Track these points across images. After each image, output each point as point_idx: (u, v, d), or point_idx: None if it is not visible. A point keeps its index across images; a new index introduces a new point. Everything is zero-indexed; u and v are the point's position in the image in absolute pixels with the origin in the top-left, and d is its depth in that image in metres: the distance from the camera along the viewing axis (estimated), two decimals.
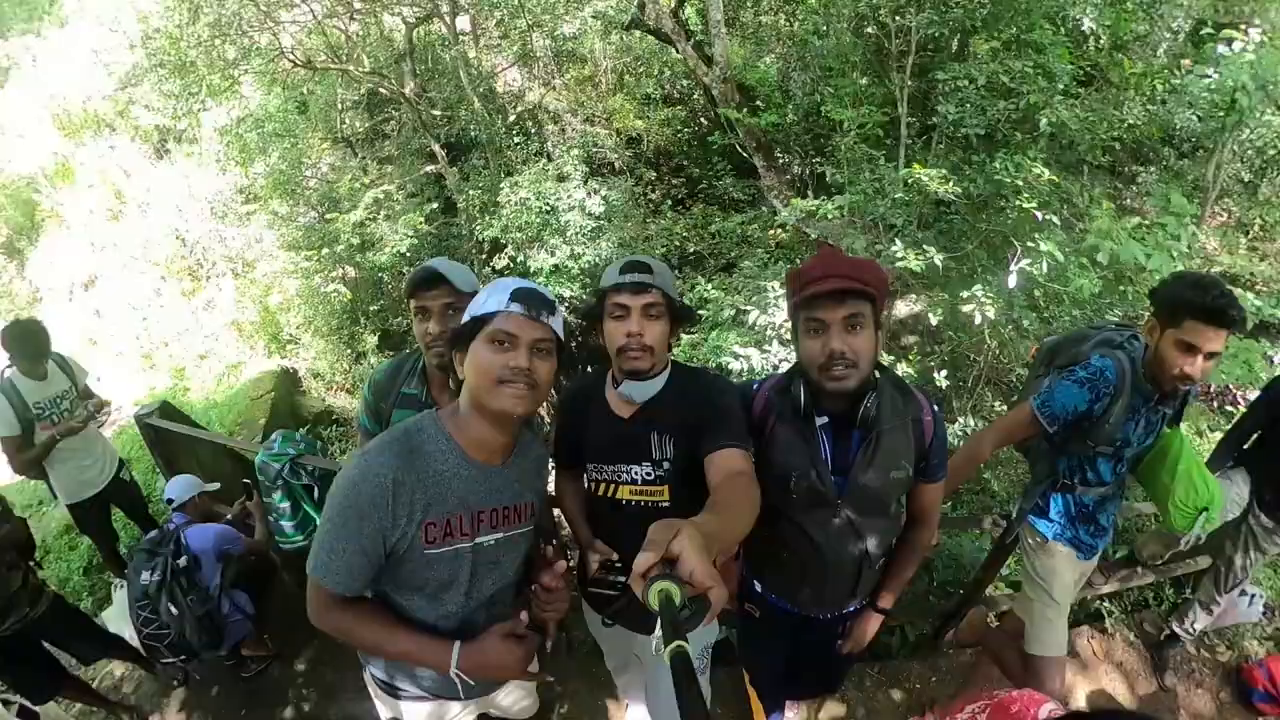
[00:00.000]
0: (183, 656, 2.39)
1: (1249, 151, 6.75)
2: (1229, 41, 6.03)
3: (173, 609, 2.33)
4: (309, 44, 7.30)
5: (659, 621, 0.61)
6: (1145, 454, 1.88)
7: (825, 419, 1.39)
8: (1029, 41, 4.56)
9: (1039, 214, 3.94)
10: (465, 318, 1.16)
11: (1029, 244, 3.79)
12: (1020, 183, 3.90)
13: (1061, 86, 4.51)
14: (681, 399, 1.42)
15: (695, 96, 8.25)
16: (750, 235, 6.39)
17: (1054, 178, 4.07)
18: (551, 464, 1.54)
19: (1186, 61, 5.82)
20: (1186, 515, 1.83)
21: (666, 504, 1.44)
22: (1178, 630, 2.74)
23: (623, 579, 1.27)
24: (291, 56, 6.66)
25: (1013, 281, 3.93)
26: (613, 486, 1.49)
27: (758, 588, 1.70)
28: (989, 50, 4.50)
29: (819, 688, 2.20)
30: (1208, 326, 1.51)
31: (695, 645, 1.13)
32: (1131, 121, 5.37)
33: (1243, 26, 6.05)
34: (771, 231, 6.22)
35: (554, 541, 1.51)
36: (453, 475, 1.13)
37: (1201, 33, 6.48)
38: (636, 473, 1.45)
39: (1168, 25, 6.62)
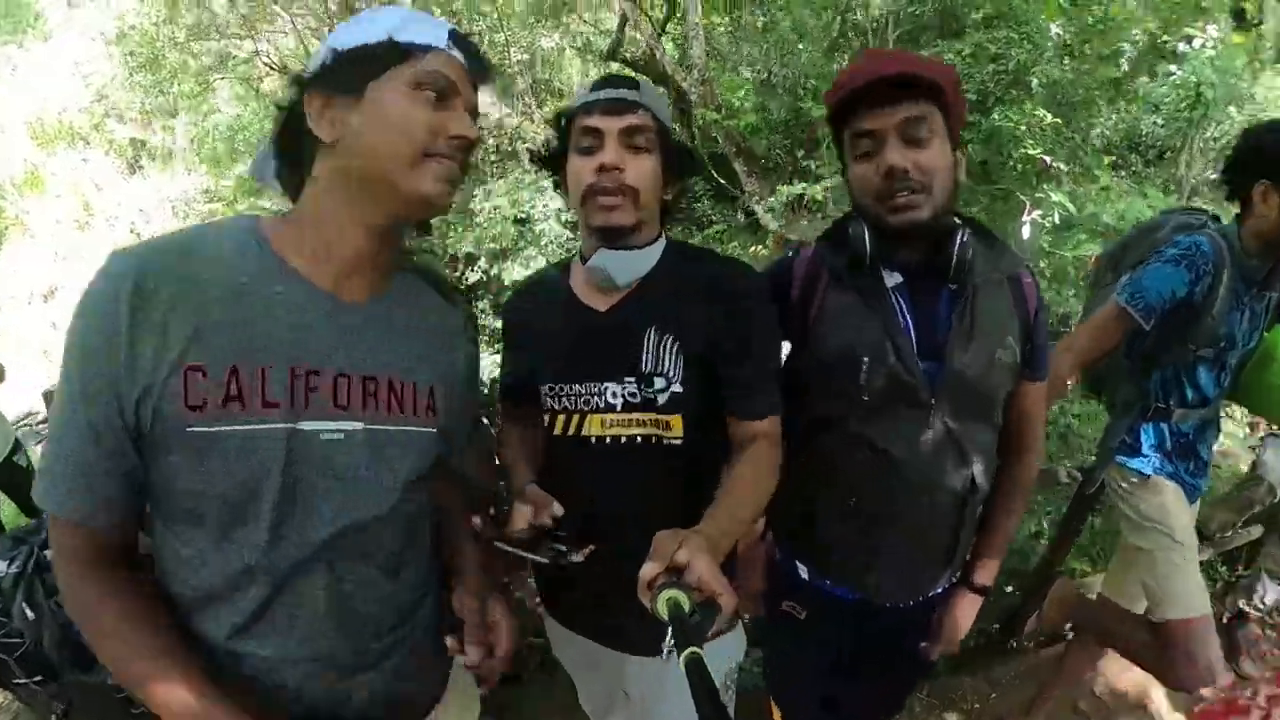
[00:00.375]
0: (39, 677, 1.89)
1: (1214, 151, 6.91)
2: (1189, 39, 6.27)
3: (28, 611, 1.89)
4: (287, 51, 7.38)
5: (669, 631, 0.61)
6: (1248, 359, 1.61)
7: (897, 277, 1.00)
8: (1010, 14, 4.68)
9: (1047, 159, 3.89)
10: (348, 42, 0.68)
11: (1038, 195, 3.71)
12: (1023, 129, 3.86)
13: (1051, 45, 4.59)
14: (689, 285, 0.97)
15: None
16: (729, 251, 6.36)
17: (1056, 120, 4.06)
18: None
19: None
20: None
21: (677, 441, 0.95)
22: (1245, 608, 2.51)
23: (562, 549, 0.85)
24: (268, 60, 6.68)
25: (1026, 233, 3.83)
26: (578, 419, 0.98)
27: (802, 573, 1.16)
28: (974, 20, 4.59)
29: (879, 712, 1.45)
30: None
31: (716, 666, 0.79)
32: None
33: (1201, 24, 6.31)
34: (753, 249, 6.18)
35: (491, 513, 1.02)
36: (261, 298, 0.65)
37: (1159, 42, 6.76)
38: (615, 393, 0.95)
39: (1128, 37, 6.87)
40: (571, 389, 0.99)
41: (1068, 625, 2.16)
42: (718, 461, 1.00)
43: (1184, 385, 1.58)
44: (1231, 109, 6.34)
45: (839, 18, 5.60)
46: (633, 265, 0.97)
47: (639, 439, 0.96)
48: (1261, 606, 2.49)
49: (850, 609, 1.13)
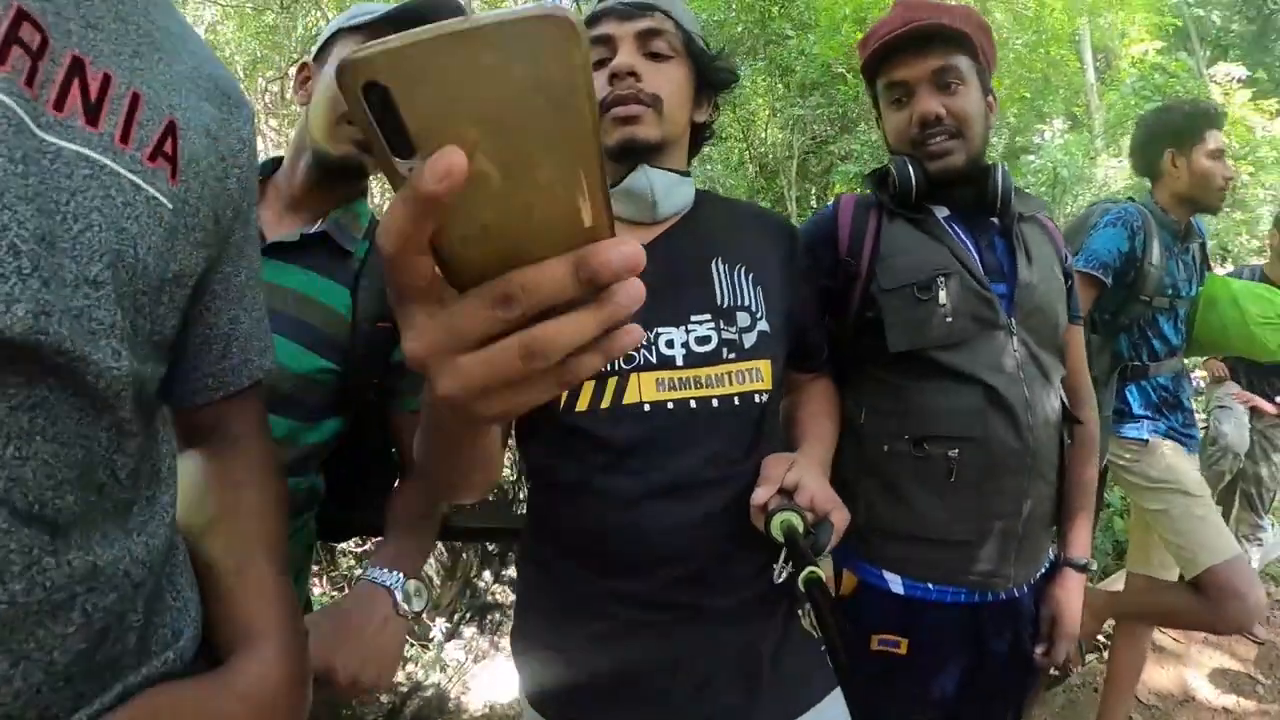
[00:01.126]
0: None
1: (1072, 218, 8.44)
2: (1041, 133, 7.91)
3: None
4: None
5: (785, 553, 0.61)
6: (1195, 308, 1.82)
7: (945, 211, 1.00)
8: None
9: None
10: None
11: None
12: None
13: None
14: (741, 222, 0.86)
15: None
16: None
17: None
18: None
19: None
20: (1274, 325, 1.72)
21: (766, 395, 0.76)
22: None
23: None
24: None
25: None
26: (615, 384, 0.73)
27: (895, 585, 0.95)
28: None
29: None
30: (1218, 129, 1.71)
31: None
32: None
33: (1049, 118, 8.01)
34: None
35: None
36: None
37: (1016, 139, 8.44)
38: (674, 341, 0.74)
39: (996, 132, 8.53)
40: None
41: (1102, 631, 2.12)
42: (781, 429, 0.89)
43: (1150, 339, 1.74)
44: (1079, 188, 7.87)
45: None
46: (677, 189, 0.80)
47: (716, 401, 0.73)
48: (1255, 566, 2.48)
49: (962, 618, 0.95)
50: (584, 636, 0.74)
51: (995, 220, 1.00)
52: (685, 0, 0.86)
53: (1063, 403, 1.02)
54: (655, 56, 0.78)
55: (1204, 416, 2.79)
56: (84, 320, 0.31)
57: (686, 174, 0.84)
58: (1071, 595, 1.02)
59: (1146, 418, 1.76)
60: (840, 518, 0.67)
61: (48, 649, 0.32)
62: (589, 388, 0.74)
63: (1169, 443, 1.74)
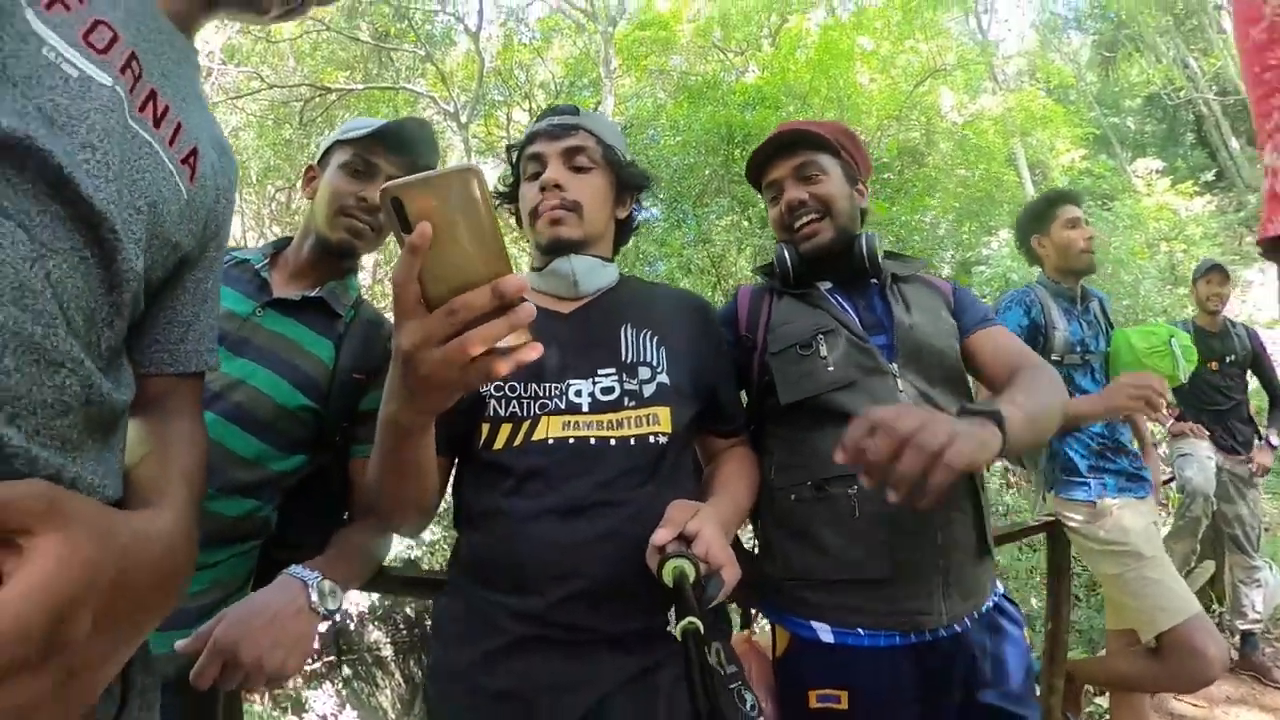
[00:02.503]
0: None
1: None
2: (989, 244, 8.49)
3: None
4: None
5: (675, 601, 0.61)
6: (1106, 361, 1.92)
7: (828, 284, 1.09)
8: None
9: None
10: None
11: None
12: None
13: None
14: (655, 300, 0.98)
15: None
16: None
17: None
18: None
19: None
20: (1161, 353, 1.76)
21: (664, 437, 0.84)
22: (1244, 626, 2.62)
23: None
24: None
25: None
26: (526, 426, 0.83)
27: (824, 635, 0.94)
28: None
29: None
30: (1071, 204, 2.02)
31: None
32: None
33: (995, 230, 8.61)
34: None
35: None
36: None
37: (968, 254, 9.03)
38: (581, 391, 0.84)
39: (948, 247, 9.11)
40: (523, 389, 0.84)
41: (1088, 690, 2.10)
42: (690, 477, 0.93)
43: (1072, 395, 1.78)
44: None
45: None
46: (596, 271, 0.94)
47: (614, 440, 0.82)
48: (1260, 614, 2.55)
49: (901, 664, 0.91)
50: (478, 654, 0.78)
51: (875, 283, 1.09)
52: (644, 134, 1.13)
53: None
54: (578, 169, 0.94)
55: (1169, 469, 2.85)
56: (130, 228, 0.47)
57: (609, 260, 1.00)
58: (959, 423, 0.74)
59: (1092, 476, 1.79)
60: (731, 574, 0.69)
61: None
62: (506, 430, 0.84)
63: (1117, 500, 1.76)
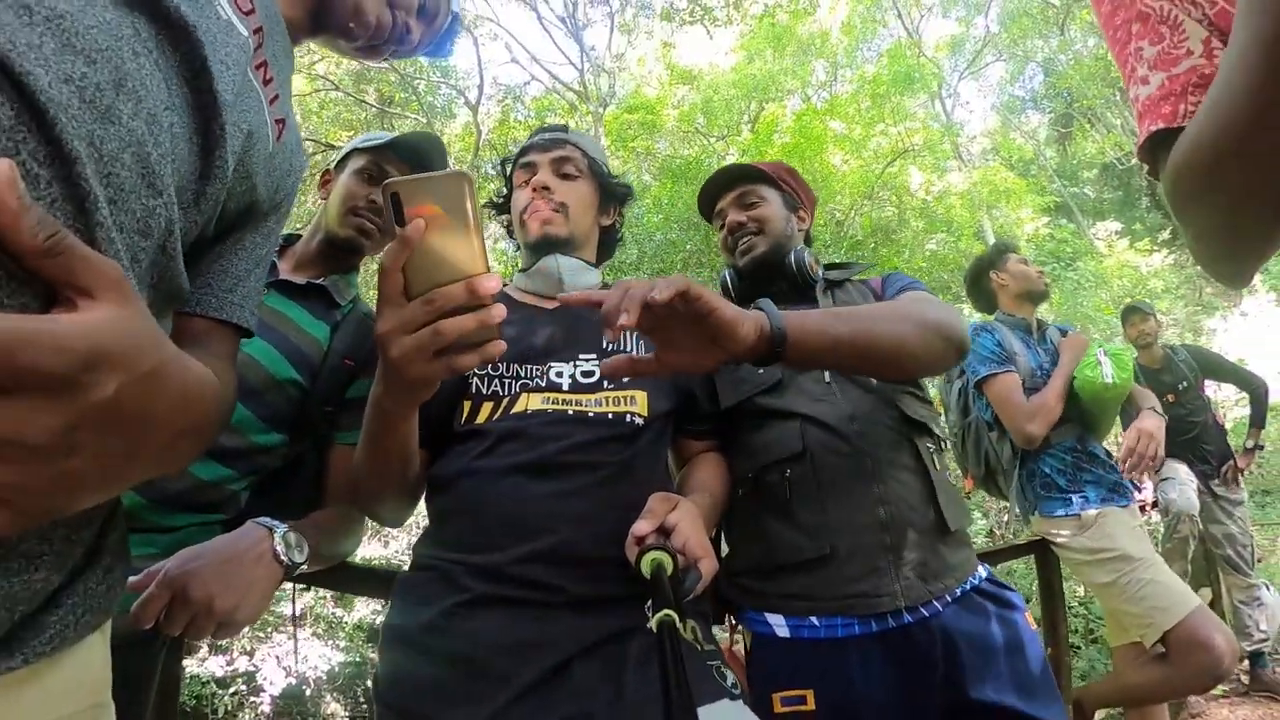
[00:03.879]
0: None
1: None
2: (961, 310, 8.82)
3: None
4: None
5: (652, 593, 0.61)
6: None
7: (768, 301, 0.99)
8: None
9: None
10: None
11: None
12: None
13: None
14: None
15: None
16: None
17: None
18: None
19: None
20: (1089, 363, 1.88)
21: (640, 419, 0.87)
22: (1251, 647, 2.60)
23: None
24: None
25: None
26: (506, 402, 0.87)
27: (776, 625, 0.91)
28: None
29: None
30: (1017, 253, 2.24)
31: None
32: None
33: (964, 299, 8.96)
34: None
35: None
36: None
37: None
38: (562, 373, 0.89)
39: None
40: (506, 369, 0.89)
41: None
42: (665, 473, 0.98)
43: None
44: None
45: None
46: (581, 271, 1.01)
47: (591, 414, 0.85)
48: (1266, 634, 2.55)
49: (865, 654, 0.85)
50: (432, 614, 0.75)
51: (805, 295, 1.14)
52: (619, 176, 1.16)
53: (905, 414, 0.99)
54: (566, 176, 1.04)
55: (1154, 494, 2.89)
56: (233, 136, 0.52)
57: (593, 264, 1.07)
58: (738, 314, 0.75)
59: (1073, 490, 1.82)
60: (708, 566, 0.69)
61: None
62: (487, 407, 0.88)
63: (1096, 510, 1.78)
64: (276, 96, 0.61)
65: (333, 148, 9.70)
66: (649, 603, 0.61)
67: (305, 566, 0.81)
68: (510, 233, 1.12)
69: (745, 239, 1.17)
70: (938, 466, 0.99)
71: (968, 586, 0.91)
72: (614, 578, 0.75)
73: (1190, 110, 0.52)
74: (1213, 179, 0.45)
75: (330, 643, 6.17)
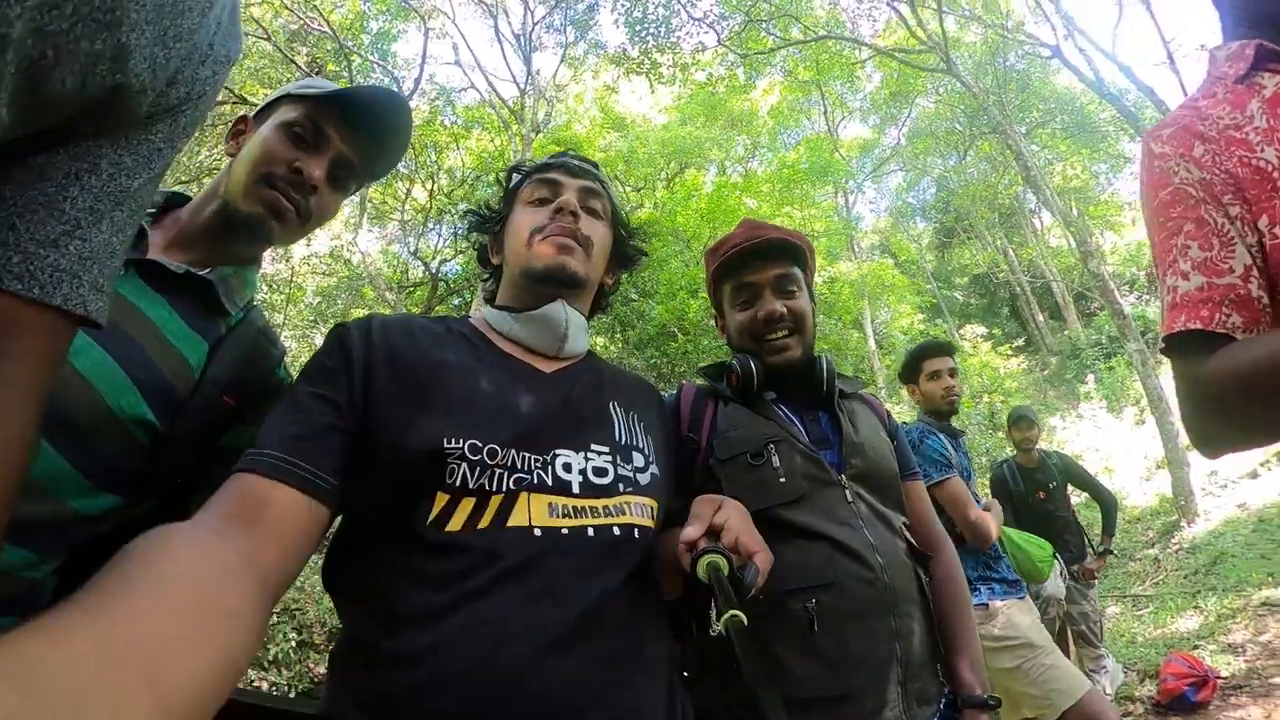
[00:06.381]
0: None
1: None
2: None
3: None
4: None
5: (713, 597, 0.58)
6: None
7: (773, 395, 1.07)
8: None
9: None
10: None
11: None
12: None
13: None
14: (627, 380, 0.89)
15: None
16: None
17: None
18: None
19: None
20: (1046, 562, 2.28)
21: (650, 527, 0.73)
22: None
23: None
24: None
25: None
26: (499, 501, 0.64)
27: None
28: None
29: None
30: (937, 357, 2.40)
31: None
32: None
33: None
34: None
35: None
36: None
37: None
38: (571, 466, 0.69)
39: None
40: (499, 455, 0.65)
41: None
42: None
43: None
44: None
45: None
46: (583, 334, 0.83)
47: (617, 530, 0.68)
48: (1109, 694, 2.84)
49: None
50: None
51: (819, 401, 1.08)
52: None
53: (910, 545, 1.01)
54: (591, 213, 0.85)
55: None
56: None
57: (585, 328, 0.86)
58: None
59: (981, 584, 2.00)
60: (764, 559, 0.65)
61: None
62: (468, 505, 0.62)
63: (1004, 602, 1.98)
64: None
65: (243, 101, 8.82)
66: (712, 608, 0.59)
67: None
68: (483, 257, 0.92)
69: (781, 336, 1.07)
70: (928, 605, 0.99)
71: (941, 704, 0.94)
72: None
73: (1223, 319, 0.61)
74: (1267, 385, 0.54)
75: None
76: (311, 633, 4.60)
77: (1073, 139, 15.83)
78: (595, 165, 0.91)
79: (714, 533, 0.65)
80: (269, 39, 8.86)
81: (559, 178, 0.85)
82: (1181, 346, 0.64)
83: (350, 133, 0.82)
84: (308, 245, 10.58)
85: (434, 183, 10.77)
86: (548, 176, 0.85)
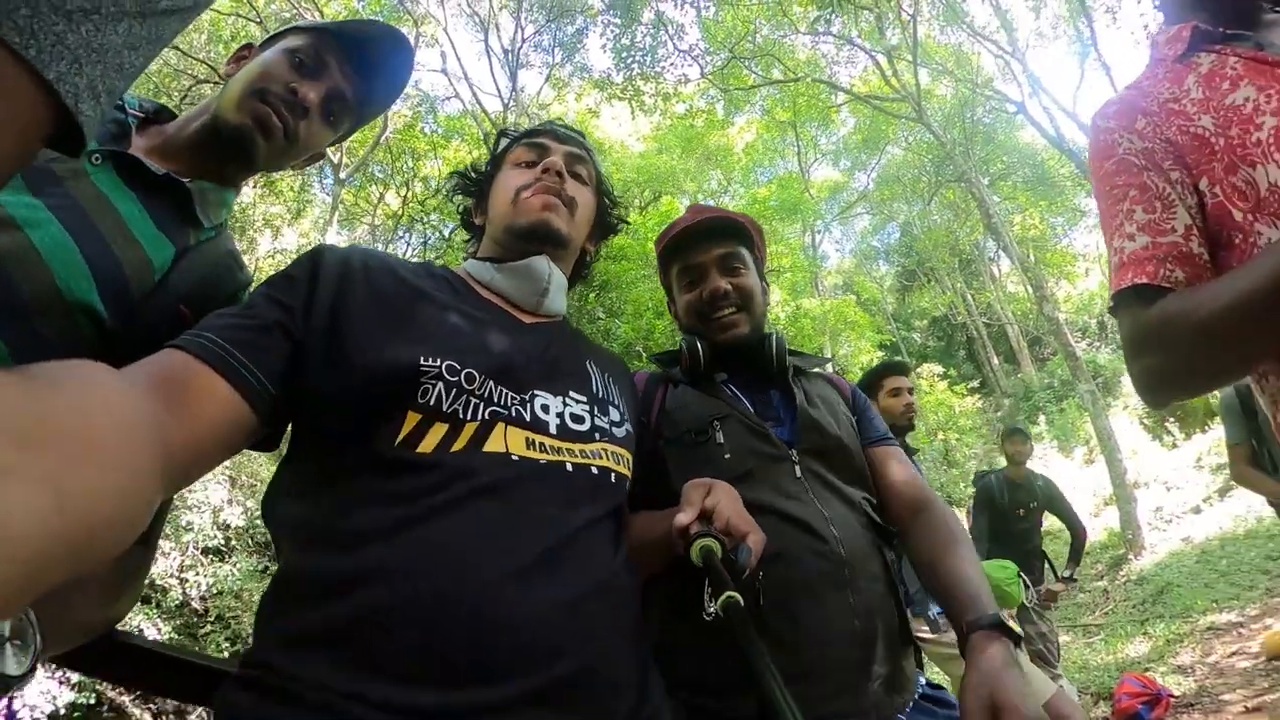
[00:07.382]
0: None
1: None
2: None
3: None
4: None
5: (708, 579, 0.60)
6: None
7: (724, 376, 1.05)
8: None
9: None
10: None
11: None
12: None
13: None
14: (602, 354, 0.90)
15: None
16: None
17: None
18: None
19: None
20: (1012, 582, 2.33)
21: (628, 477, 0.74)
22: None
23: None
24: None
25: None
26: (476, 429, 0.62)
27: None
28: None
29: None
30: (897, 375, 2.55)
31: None
32: None
33: None
34: None
35: None
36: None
37: None
38: (549, 408, 0.69)
39: None
40: (476, 382, 0.63)
41: None
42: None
43: None
44: None
45: None
46: (562, 294, 0.84)
47: (594, 470, 0.68)
48: None
49: None
50: None
51: (771, 379, 1.06)
52: None
53: (872, 520, 0.96)
54: (577, 178, 0.87)
55: None
56: None
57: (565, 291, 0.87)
58: (1001, 665, 0.72)
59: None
60: (756, 539, 0.67)
61: None
62: (440, 430, 0.59)
63: None
64: None
65: (203, 66, 8.47)
66: (707, 591, 0.59)
67: (34, 669, 0.48)
68: (466, 220, 0.92)
69: (728, 314, 1.06)
70: (901, 577, 0.97)
71: (917, 694, 0.90)
72: (633, 702, 0.59)
73: (1168, 274, 0.66)
74: (1209, 326, 0.59)
75: None
76: (246, 644, 4.45)
77: (1033, 191, 16.77)
78: (582, 134, 0.94)
79: (705, 516, 0.67)
80: (260, 23, 8.76)
81: (547, 142, 0.88)
82: (1129, 302, 0.69)
83: (351, 67, 0.85)
84: (274, 240, 10.37)
85: (409, 189, 10.72)
86: (536, 141, 0.88)
